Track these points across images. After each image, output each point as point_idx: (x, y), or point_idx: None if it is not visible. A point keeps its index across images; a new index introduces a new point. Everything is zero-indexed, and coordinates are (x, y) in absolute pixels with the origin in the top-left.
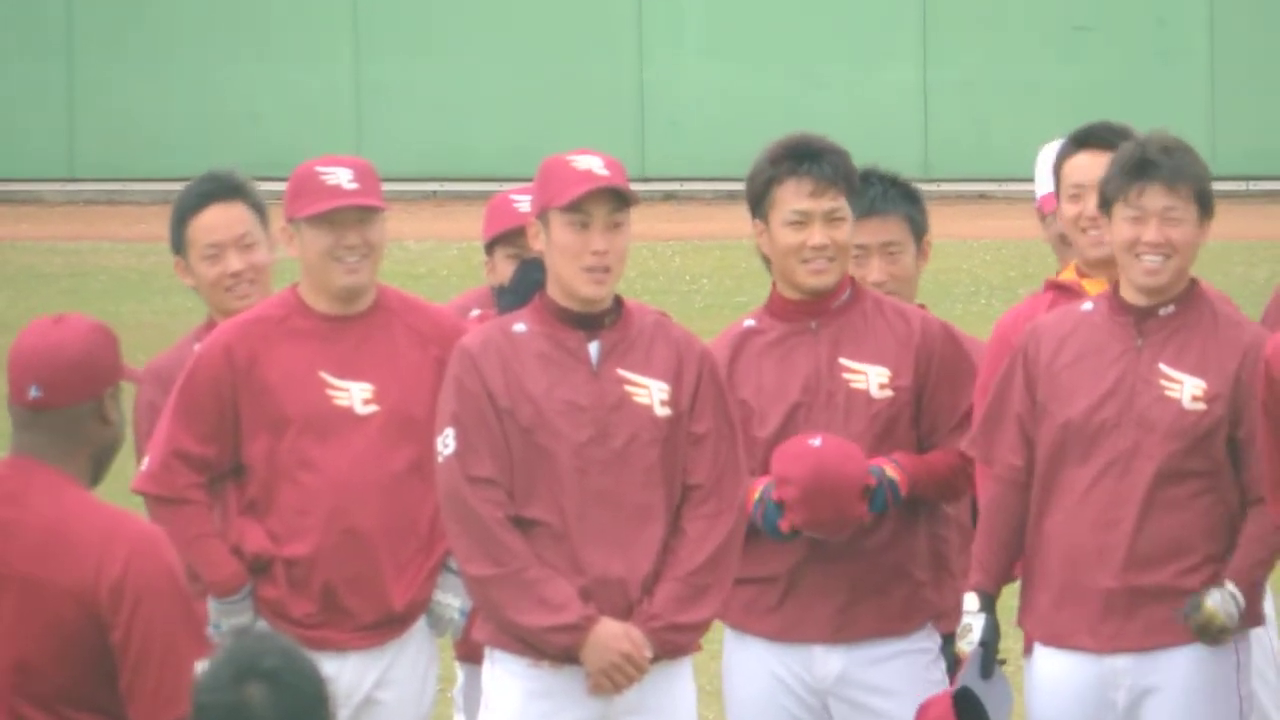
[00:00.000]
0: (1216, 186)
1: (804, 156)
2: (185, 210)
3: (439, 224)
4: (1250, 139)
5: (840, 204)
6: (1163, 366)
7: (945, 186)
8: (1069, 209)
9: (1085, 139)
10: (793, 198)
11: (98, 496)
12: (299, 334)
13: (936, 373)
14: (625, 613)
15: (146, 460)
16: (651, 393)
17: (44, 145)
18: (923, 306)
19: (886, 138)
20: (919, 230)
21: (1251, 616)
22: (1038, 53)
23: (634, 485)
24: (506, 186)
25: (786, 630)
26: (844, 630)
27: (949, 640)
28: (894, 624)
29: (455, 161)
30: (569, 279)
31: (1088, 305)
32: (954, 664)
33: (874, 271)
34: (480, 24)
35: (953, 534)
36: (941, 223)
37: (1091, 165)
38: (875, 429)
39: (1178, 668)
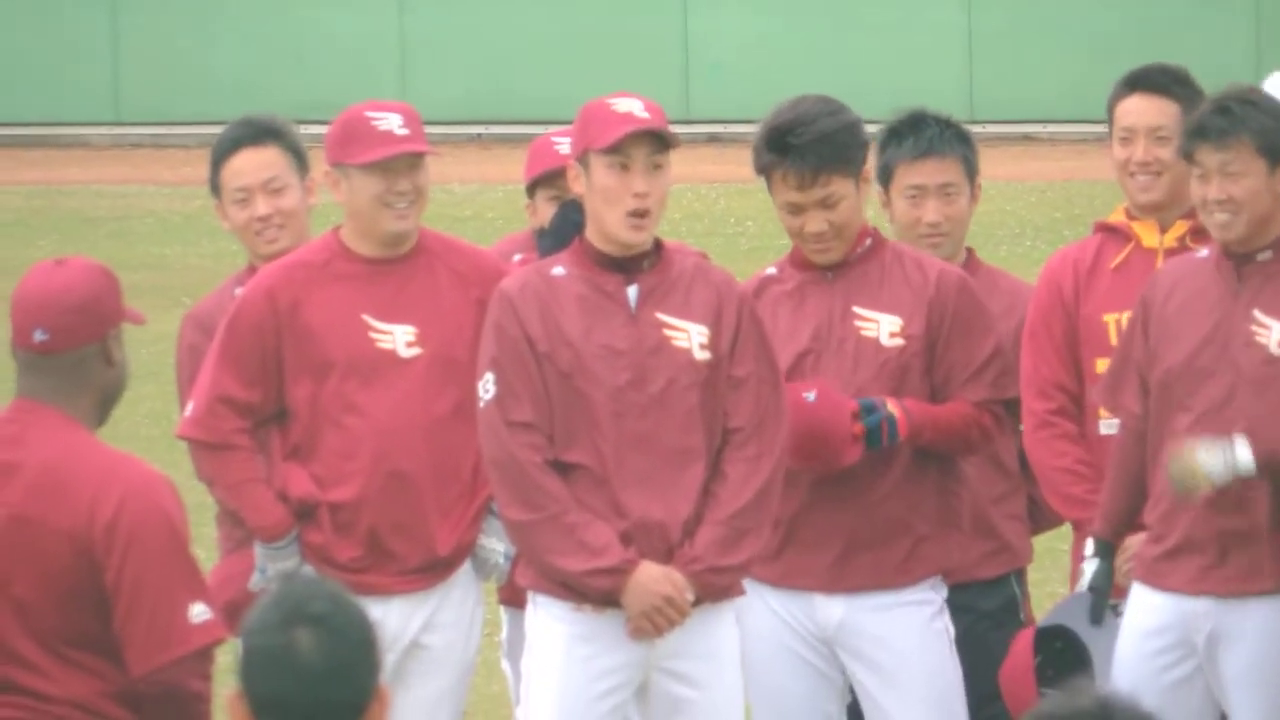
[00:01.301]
0: None
1: (786, 147)
2: (219, 154)
3: (484, 166)
4: None
5: (832, 188)
6: (1257, 313)
7: (990, 128)
8: (1119, 152)
9: (1137, 82)
10: (783, 189)
11: (102, 439)
12: (342, 278)
13: (950, 324)
14: (666, 556)
15: (191, 405)
16: (691, 336)
17: (90, 89)
18: (971, 249)
19: (930, 81)
20: (972, 172)
21: None
22: None
23: (673, 429)
24: (552, 129)
25: (786, 576)
26: (841, 580)
27: (954, 594)
28: (892, 576)
29: (500, 104)
30: (609, 223)
31: (1204, 252)
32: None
33: (930, 212)
34: None
35: (964, 489)
36: (986, 165)
37: (1143, 109)
38: (884, 377)
39: (1258, 615)
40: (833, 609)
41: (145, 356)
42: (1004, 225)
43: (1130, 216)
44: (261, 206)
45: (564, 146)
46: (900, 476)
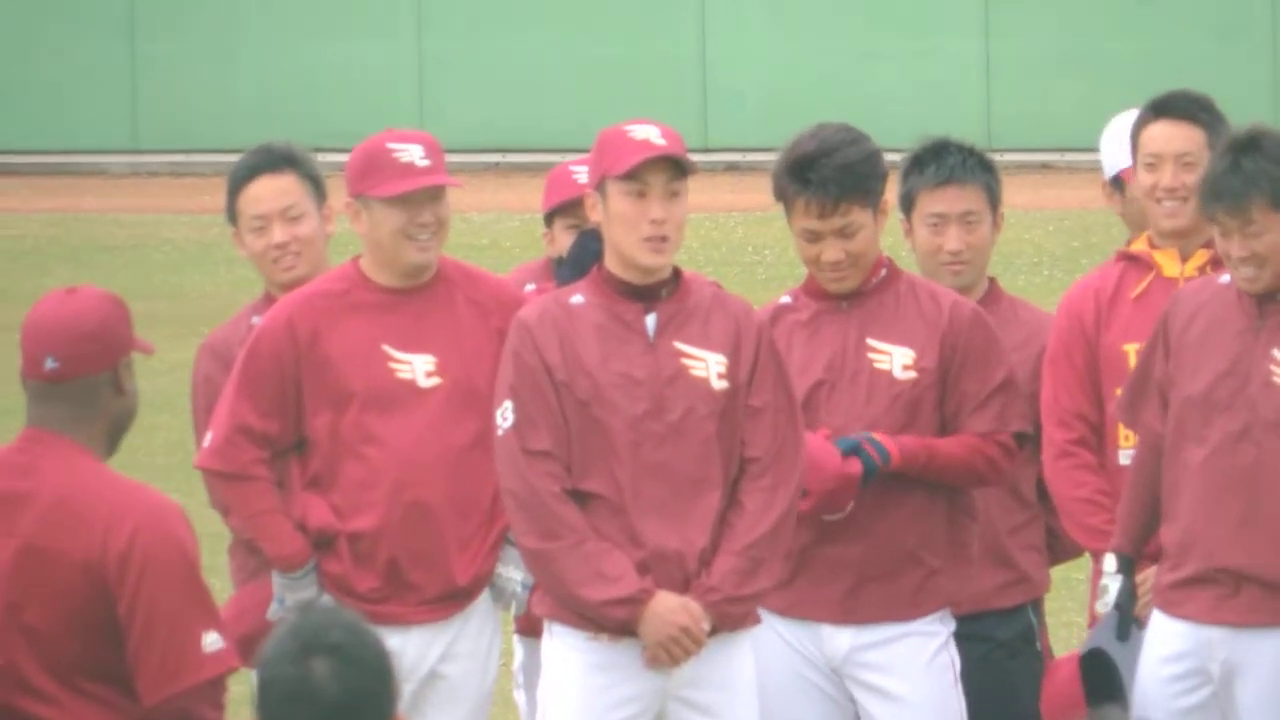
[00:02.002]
0: None
1: (807, 175)
2: (236, 181)
3: (502, 195)
4: None
5: (851, 218)
6: (1276, 352)
7: (1007, 157)
8: (1145, 178)
9: (1163, 109)
10: (802, 217)
11: (116, 468)
12: (361, 308)
13: (962, 357)
14: (683, 585)
15: (210, 436)
16: (709, 365)
17: (108, 117)
18: (993, 279)
19: (948, 109)
20: (994, 200)
21: None
22: (1100, 24)
23: (690, 458)
24: (570, 158)
25: (795, 607)
26: (851, 613)
27: (969, 623)
28: (902, 609)
29: (518, 132)
30: (627, 249)
31: (1225, 278)
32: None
33: (951, 240)
34: None
35: (974, 522)
36: (1005, 193)
37: (1170, 135)
38: (896, 410)
39: (1272, 646)
40: (840, 639)
41: (161, 386)
42: (1021, 254)
43: (1152, 245)
44: (279, 234)
45: (582, 176)
46: (911, 510)
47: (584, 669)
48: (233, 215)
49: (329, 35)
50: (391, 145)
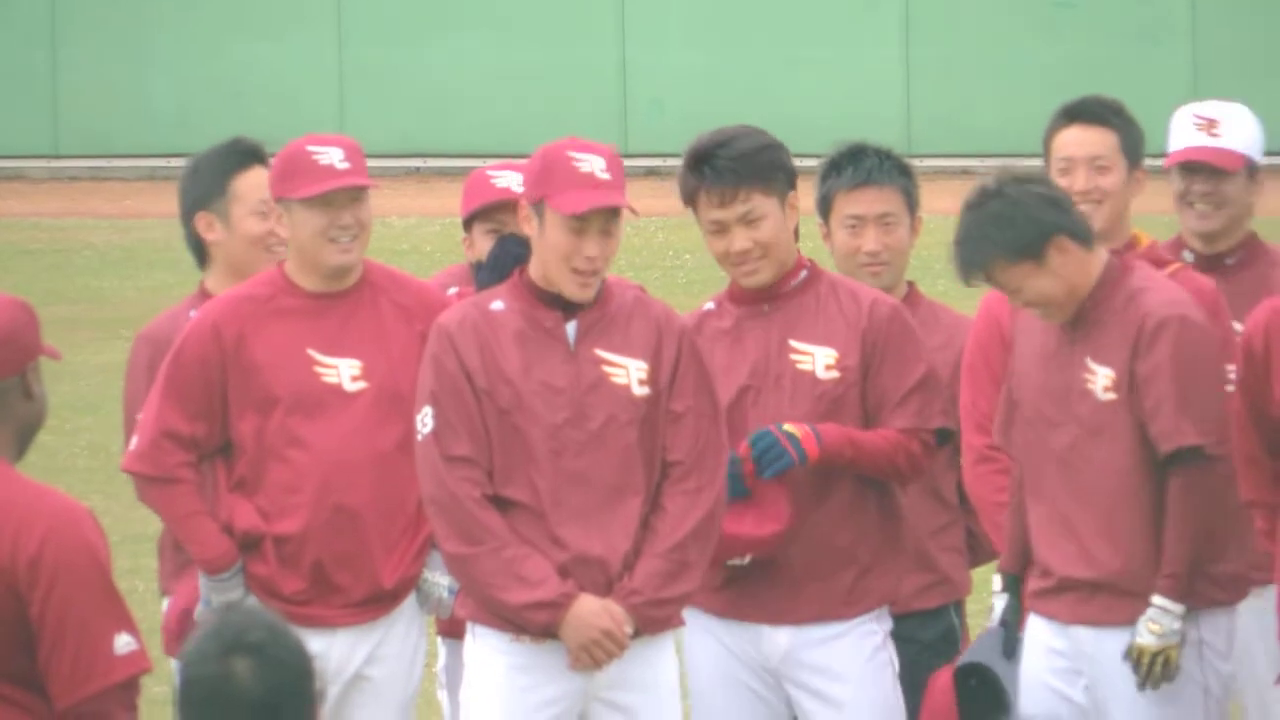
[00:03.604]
0: None
1: (705, 166)
2: (230, 166)
3: (422, 200)
4: None
5: (754, 204)
6: (1089, 361)
7: (928, 162)
8: (1060, 182)
9: (1075, 113)
10: (706, 209)
11: (43, 470)
12: (286, 312)
13: (881, 353)
14: (606, 589)
15: (135, 439)
16: (629, 372)
17: (29, 122)
18: (912, 283)
19: (869, 115)
20: (912, 203)
21: (1203, 598)
22: (1019, 29)
23: (611, 465)
24: (489, 163)
25: (731, 609)
26: (788, 612)
27: (905, 621)
28: (839, 608)
29: (438, 138)
30: (556, 277)
31: None
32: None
33: (869, 241)
34: (463, 2)
35: (904, 520)
36: (924, 198)
37: (1082, 139)
38: (820, 410)
39: (1120, 646)
40: (778, 639)
41: (84, 389)
42: (941, 259)
43: None
44: (278, 225)
45: (501, 180)
46: (843, 508)
47: (507, 670)
48: (213, 198)
49: (249, 42)
50: (311, 148)
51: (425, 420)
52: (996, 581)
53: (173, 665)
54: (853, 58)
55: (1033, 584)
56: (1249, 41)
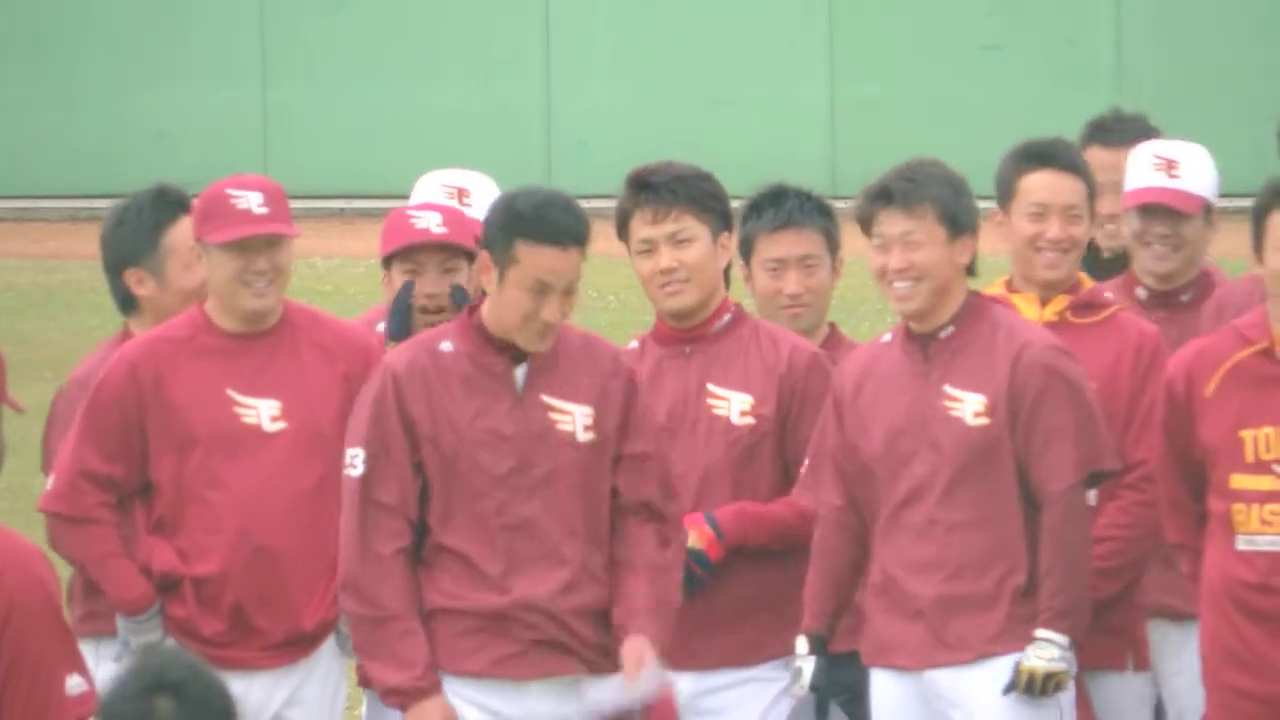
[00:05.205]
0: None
1: (644, 185)
2: (162, 219)
3: (346, 241)
4: None
5: (685, 225)
6: (947, 388)
7: (853, 203)
8: (1027, 227)
9: (1047, 158)
10: (638, 226)
11: None
12: (205, 352)
13: (799, 402)
14: (550, 634)
15: (52, 480)
16: (575, 418)
17: None
18: (834, 325)
19: (795, 156)
20: (833, 244)
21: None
22: (945, 69)
23: (554, 513)
24: (410, 204)
25: None
26: (692, 657)
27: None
28: (743, 655)
29: (363, 178)
30: (514, 332)
31: (886, 337)
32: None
33: (791, 284)
34: (387, 44)
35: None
36: (849, 239)
37: (1057, 187)
38: (733, 456)
39: (989, 683)
40: (681, 685)
41: (5, 431)
42: (866, 301)
43: (1010, 289)
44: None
45: (420, 220)
46: (751, 561)
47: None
48: (145, 253)
49: (174, 83)
50: (230, 191)
51: (356, 462)
52: (802, 644)
53: None
54: (778, 98)
55: (872, 637)
56: (1173, 84)
